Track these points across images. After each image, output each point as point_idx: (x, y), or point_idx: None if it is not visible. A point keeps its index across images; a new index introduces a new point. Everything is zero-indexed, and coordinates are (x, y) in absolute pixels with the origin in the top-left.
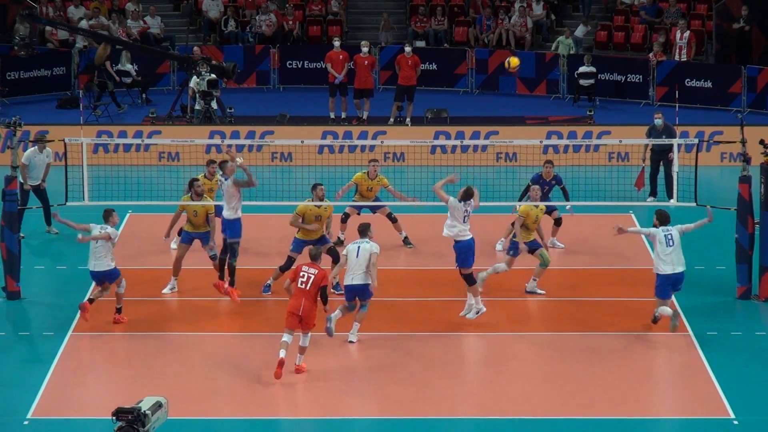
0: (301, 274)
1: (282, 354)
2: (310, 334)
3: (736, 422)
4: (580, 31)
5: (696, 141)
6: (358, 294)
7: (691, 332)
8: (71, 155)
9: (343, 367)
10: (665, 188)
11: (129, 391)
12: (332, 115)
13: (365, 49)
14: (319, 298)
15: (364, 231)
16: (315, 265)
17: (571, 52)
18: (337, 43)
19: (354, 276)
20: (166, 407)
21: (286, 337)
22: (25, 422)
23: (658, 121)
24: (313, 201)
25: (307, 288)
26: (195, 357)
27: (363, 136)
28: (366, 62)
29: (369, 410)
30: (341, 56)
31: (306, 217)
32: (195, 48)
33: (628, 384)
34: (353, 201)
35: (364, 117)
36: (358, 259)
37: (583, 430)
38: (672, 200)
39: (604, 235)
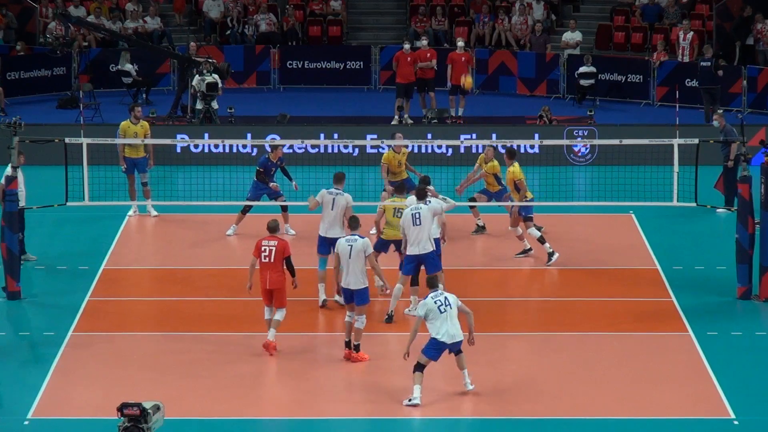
0: (263, 249)
1: (269, 336)
2: (284, 310)
3: (736, 422)
4: None
5: (696, 141)
6: None
7: (691, 332)
8: (71, 155)
9: (343, 367)
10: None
11: (129, 391)
12: (425, 112)
13: (461, 44)
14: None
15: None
16: (274, 237)
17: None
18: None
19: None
20: (163, 411)
21: (266, 314)
22: (25, 422)
23: (716, 122)
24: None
25: (271, 260)
26: (195, 357)
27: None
28: (463, 59)
29: (369, 410)
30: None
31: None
32: (192, 44)
33: (628, 384)
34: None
35: (460, 113)
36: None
37: (583, 430)
38: (721, 210)
39: (604, 234)
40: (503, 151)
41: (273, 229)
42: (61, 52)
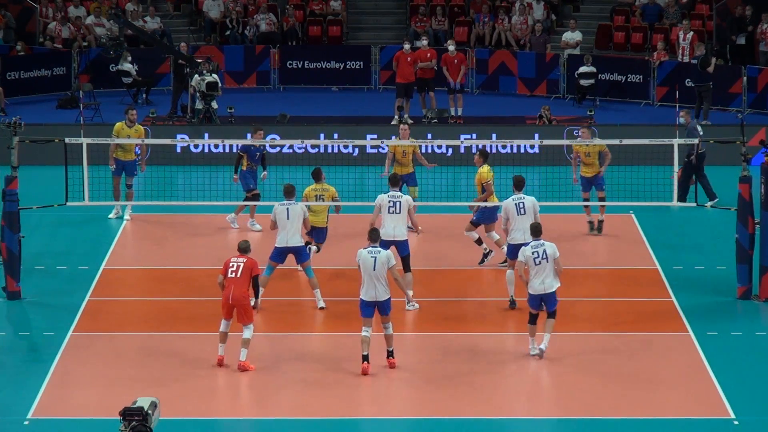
0: (231, 265)
1: (220, 351)
2: (251, 326)
3: (736, 422)
4: None
5: (696, 141)
6: None
7: (691, 332)
8: (71, 155)
9: (343, 367)
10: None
11: (129, 391)
12: (425, 112)
13: (452, 48)
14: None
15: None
16: (244, 255)
17: None
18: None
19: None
20: (159, 407)
21: (222, 326)
22: (25, 422)
23: (682, 119)
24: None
25: (238, 276)
26: (195, 357)
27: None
28: (455, 60)
29: (369, 410)
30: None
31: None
32: (182, 44)
33: (629, 384)
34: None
35: (459, 113)
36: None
37: (583, 430)
38: (682, 202)
39: (604, 234)
40: (503, 151)
41: (244, 249)
42: (114, 53)
